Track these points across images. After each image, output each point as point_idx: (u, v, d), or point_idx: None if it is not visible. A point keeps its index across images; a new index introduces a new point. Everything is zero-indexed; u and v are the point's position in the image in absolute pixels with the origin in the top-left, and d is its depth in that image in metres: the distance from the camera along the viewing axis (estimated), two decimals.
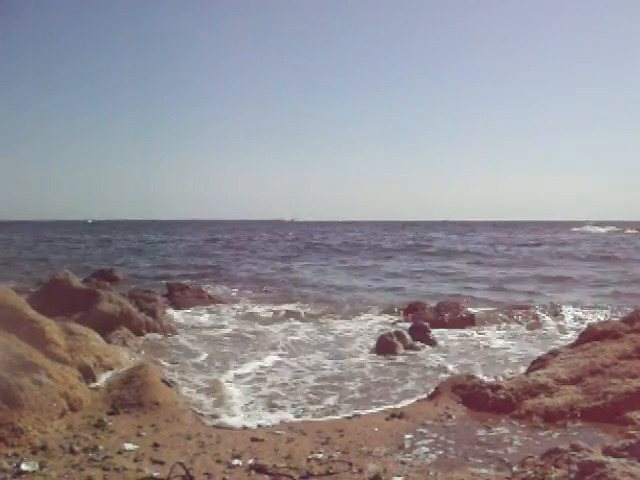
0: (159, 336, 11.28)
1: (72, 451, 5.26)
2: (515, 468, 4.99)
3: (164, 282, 19.18)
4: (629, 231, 77.38)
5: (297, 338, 11.52)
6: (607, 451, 5.03)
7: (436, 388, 7.42)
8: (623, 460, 4.54)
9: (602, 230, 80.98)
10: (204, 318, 13.79)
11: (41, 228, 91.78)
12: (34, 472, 4.80)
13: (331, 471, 4.95)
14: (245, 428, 6.15)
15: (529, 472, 4.85)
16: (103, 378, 7.14)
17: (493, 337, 11.76)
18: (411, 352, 10.16)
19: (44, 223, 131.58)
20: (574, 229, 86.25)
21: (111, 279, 19.12)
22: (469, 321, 12.85)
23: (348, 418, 6.56)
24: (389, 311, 14.88)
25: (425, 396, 7.36)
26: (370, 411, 6.82)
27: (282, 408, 6.92)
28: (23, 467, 4.85)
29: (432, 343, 10.85)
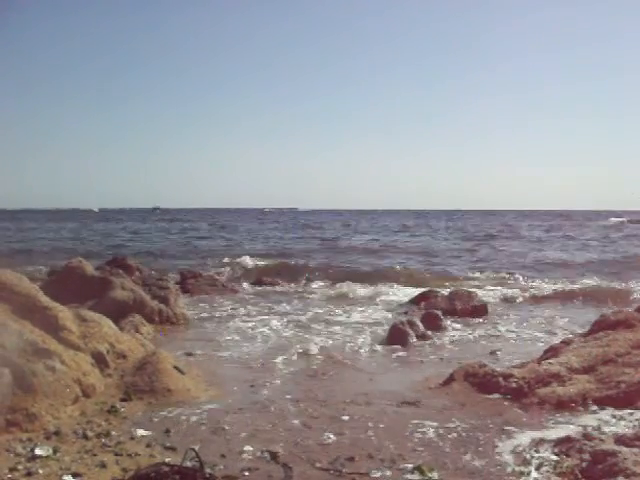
0: (172, 323, 11.34)
1: (85, 436, 5.30)
2: (528, 456, 4.99)
3: (176, 270, 19.26)
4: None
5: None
6: (619, 440, 5.02)
7: (449, 376, 7.41)
8: (636, 450, 4.53)
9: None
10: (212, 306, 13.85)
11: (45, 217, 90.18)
12: (48, 457, 4.84)
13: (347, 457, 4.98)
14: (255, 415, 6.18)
15: (542, 460, 4.85)
16: (116, 365, 7.17)
17: (506, 325, 11.76)
18: (423, 340, 10.15)
19: (46, 212, 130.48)
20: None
21: (124, 266, 19.17)
22: (482, 310, 12.81)
23: (359, 404, 6.57)
24: None
25: (437, 384, 7.36)
26: (382, 399, 6.81)
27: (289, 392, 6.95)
28: (37, 452, 4.90)
29: (444, 331, 10.84)
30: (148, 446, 5.15)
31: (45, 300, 7.08)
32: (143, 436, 5.40)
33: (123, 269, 17.73)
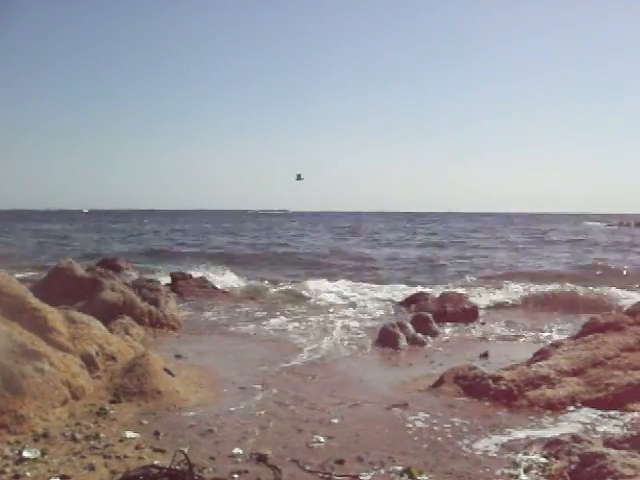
0: (162, 325, 11.30)
1: (74, 439, 5.28)
2: (517, 459, 5.00)
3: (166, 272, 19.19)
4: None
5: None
6: (608, 443, 5.03)
7: (438, 379, 7.42)
8: (624, 452, 4.54)
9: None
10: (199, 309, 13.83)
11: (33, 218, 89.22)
12: (36, 459, 4.81)
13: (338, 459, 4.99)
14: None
15: (531, 463, 4.86)
16: (105, 366, 7.14)
17: (496, 328, 11.79)
18: (413, 342, 10.14)
19: (35, 212, 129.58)
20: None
21: (114, 268, 19.09)
22: (472, 313, 12.81)
23: (349, 407, 6.56)
24: None
25: (427, 387, 7.36)
26: (371, 401, 6.81)
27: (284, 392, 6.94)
28: (25, 454, 4.87)
29: (434, 334, 10.84)
30: (137, 448, 5.14)
31: (34, 301, 7.05)
32: (132, 438, 5.38)
33: (113, 270, 17.72)
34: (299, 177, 32.46)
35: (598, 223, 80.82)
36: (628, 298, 14.53)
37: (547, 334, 11.20)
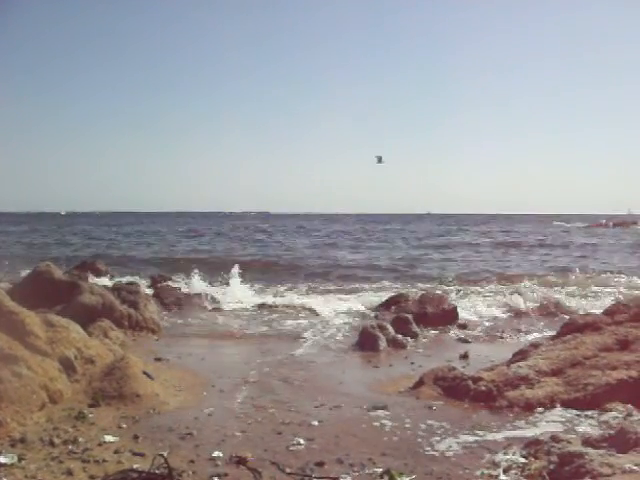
0: (141, 328, 11.23)
1: (52, 443, 5.23)
2: (496, 459, 5.01)
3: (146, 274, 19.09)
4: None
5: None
6: (587, 442, 5.07)
7: (418, 380, 7.44)
8: (602, 451, 4.57)
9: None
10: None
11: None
12: (12, 465, 4.75)
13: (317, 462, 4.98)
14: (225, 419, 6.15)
15: (510, 463, 4.88)
16: (84, 370, 7.08)
17: (476, 329, 11.85)
18: (393, 344, 10.16)
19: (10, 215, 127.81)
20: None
21: (94, 270, 18.98)
22: (452, 314, 12.83)
23: (329, 409, 6.56)
24: None
25: (407, 388, 7.38)
26: (351, 403, 6.80)
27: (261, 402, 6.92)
28: (1, 460, 4.80)
29: (414, 335, 10.87)
30: (116, 452, 5.09)
31: (11, 305, 6.98)
32: (111, 442, 5.33)
33: (93, 273, 17.63)
34: (380, 160, 32.29)
35: (564, 223, 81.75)
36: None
37: (526, 334, 11.28)
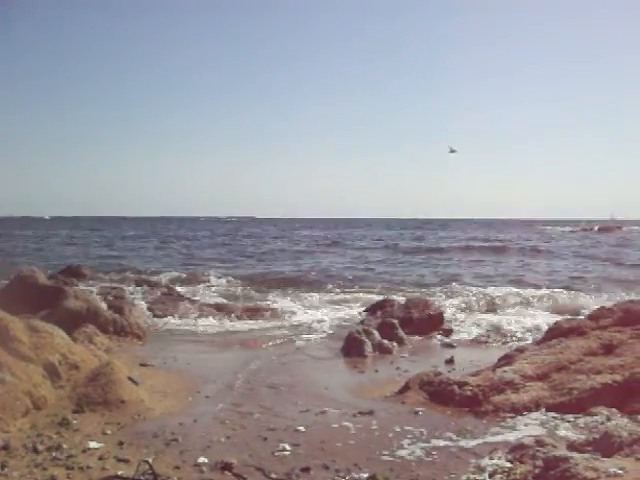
0: (126, 333, 11.18)
1: (35, 450, 5.19)
2: (482, 464, 5.02)
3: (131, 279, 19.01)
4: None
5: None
6: (571, 446, 5.09)
7: (404, 385, 7.44)
8: (587, 455, 4.59)
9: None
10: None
11: None
12: None
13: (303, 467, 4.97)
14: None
15: (496, 467, 4.89)
16: (68, 376, 7.04)
17: (461, 333, 11.88)
18: (379, 349, 10.16)
19: None
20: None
21: (79, 275, 18.90)
22: (438, 319, 12.83)
23: (315, 414, 6.55)
24: None
25: (393, 393, 7.38)
26: (337, 409, 6.80)
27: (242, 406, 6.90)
28: None
29: (400, 340, 10.87)
30: (100, 459, 5.06)
31: None
32: (95, 448, 5.30)
33: (78, 278, 17.54)
34: (452, 150, 32.45)
35: (553, 227, 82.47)
36: None
37: (511, 339, 11.31)
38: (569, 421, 6.15)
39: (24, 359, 6.57)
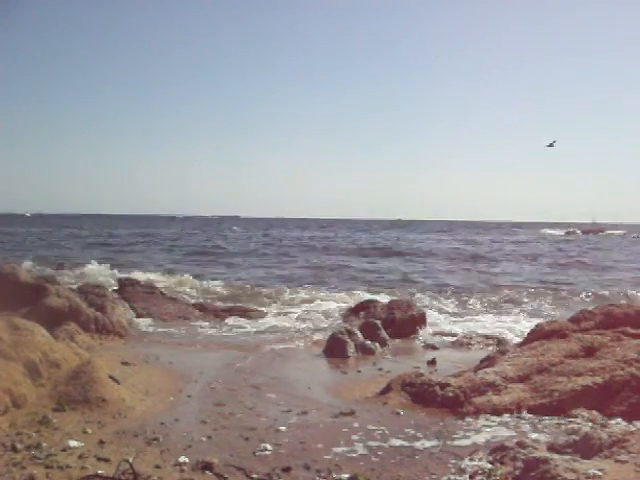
0: (108, 331, 11.12)
1: (14, 449, 5.13)
2: (462, 465, 5.04)
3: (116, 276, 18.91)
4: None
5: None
6: (552, 448, 5.11)
7: (385, 386, 7.45)
8: (567, 457, 4.61)
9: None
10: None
11: None
12: None
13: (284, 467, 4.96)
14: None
15: (476, 468, 4.90)
16: (49, 374, 6.99)
17: (444, 335, 11.91)
18: (362, 349, 10.16)
19: None
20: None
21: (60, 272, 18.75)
22: (421, 319, 12.85)
23: (296, 414, 6.54)
24: None
25: (374, 394, 7.39)
26: (319, 409, 6.79)
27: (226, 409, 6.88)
28: None
29: (383, 341, 10.88)
30: (80, 458, 5.02)
31: None
32: (75, 447, 5.25)
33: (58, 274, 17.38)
34: (551, 144, 32.64)
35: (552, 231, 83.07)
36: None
37: (493, 341, 11.35)
38: (550, 423, 6.18)
39: (4, 357, 6.51)
